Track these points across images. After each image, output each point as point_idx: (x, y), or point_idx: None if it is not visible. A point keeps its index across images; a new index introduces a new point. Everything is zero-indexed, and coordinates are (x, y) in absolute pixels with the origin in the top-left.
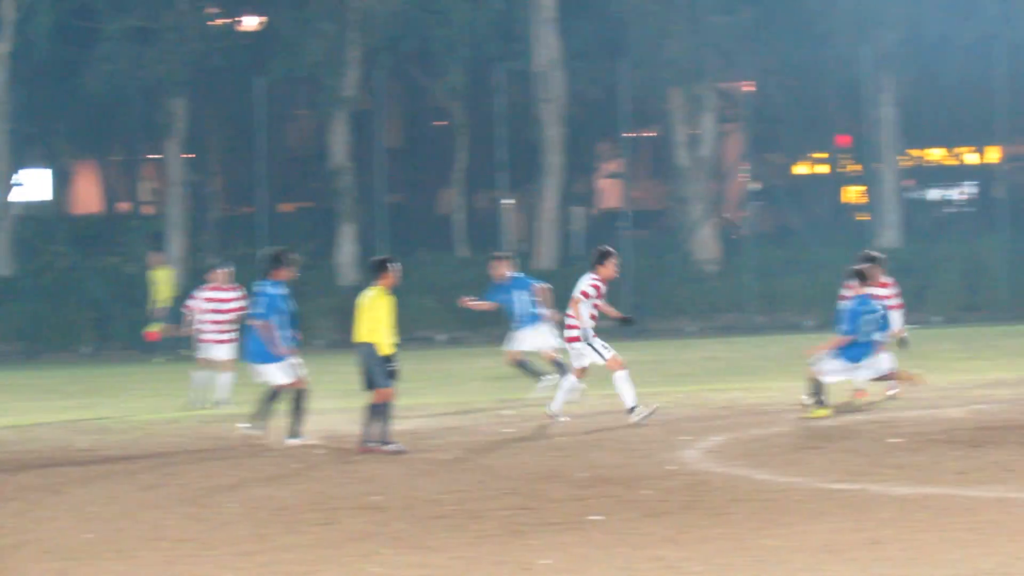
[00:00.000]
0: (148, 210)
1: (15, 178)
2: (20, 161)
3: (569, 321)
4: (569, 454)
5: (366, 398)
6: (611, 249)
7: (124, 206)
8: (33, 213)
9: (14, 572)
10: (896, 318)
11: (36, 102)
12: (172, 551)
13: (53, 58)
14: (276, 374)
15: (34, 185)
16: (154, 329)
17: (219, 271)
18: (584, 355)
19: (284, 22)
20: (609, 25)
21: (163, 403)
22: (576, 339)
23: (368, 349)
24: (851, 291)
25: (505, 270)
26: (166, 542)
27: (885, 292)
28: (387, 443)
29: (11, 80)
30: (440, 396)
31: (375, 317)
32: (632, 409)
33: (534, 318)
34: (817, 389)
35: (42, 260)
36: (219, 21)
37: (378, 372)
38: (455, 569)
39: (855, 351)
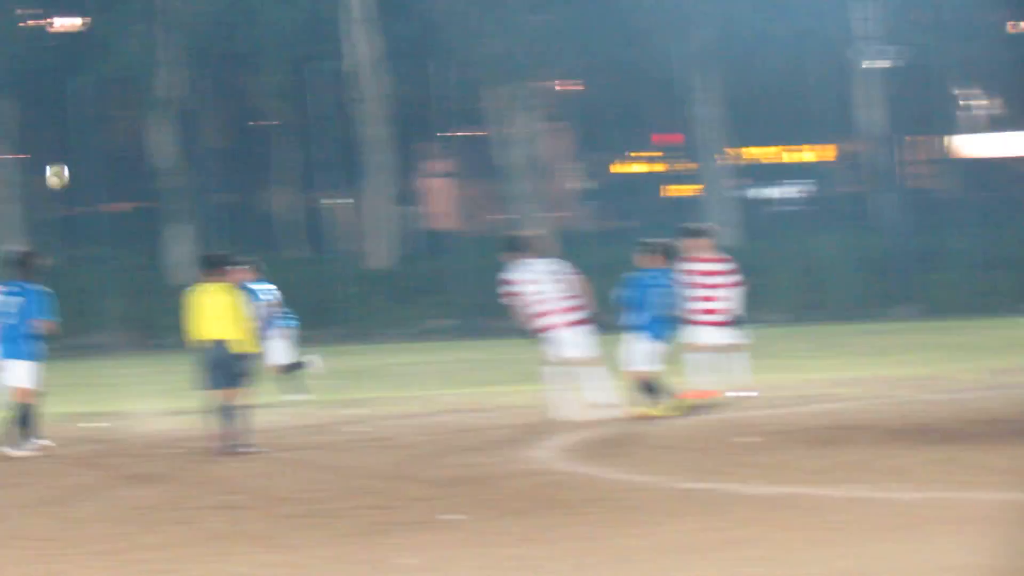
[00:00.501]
0: None
1: None
2: None
3: (573, 304)
4: (423, 453)
5: (218, 398)
6: None
7: None
8: None
9: None
10: (736, 296)
11: None
12: (33, 550)
13: None
14: (23, 374)
15: None
16: None
17: None
18: (578, 344)
19: (100, 23)
20: (425, 25)
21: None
22: (583, 323)
23: (223, 347)
24: (650, 263)
25: (243, 277)
26: (27, 541)
27: (719, 267)
28: (243, 444)
29: None
30: (280, 395)
31: (228, 314)
32: (610, 404)
33: (271, 326)
34: (652, 387)
35: None
36: (38, 22)
37: (233, 371)
38: (315, 568)
39: (656, 328)
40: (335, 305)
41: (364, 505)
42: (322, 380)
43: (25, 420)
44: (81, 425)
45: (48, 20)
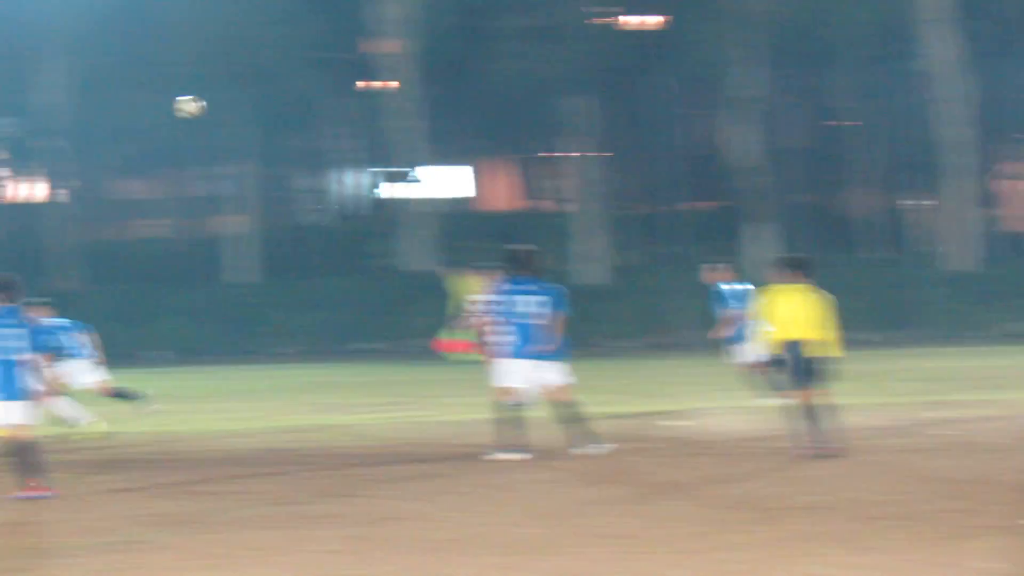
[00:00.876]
0: (563, 207)
1: (412, 175)
2: (436, 159)
3: None
4: (1006, 456)
5: (799, 398)
6: None
7: (540, 203)
8: (452, 210)
9: (458, 566)
10: None
11: (449, 100)
12: (616, 548)
13: (461, 57)
14: (559, 374)
15: (452, 182)
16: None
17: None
18: None
19: (678, 21)
20: (1006, 23)
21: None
22: None
23: (802, 348)
24: None
25: (719, 277)
26: (611, 539)
27: None
28: (825, 445)
29: (423, 79)
30: (863, 397)
31: (807, 315)
32: None
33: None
34: None
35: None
36: (615, 20)
37: (813, 371)
38: (898, 571)
39: None
40: (915, 307)
41: (946, 508)
42: (903, 382)
43: (577, 418)
44: (660, 424)
45: (625, 19)
